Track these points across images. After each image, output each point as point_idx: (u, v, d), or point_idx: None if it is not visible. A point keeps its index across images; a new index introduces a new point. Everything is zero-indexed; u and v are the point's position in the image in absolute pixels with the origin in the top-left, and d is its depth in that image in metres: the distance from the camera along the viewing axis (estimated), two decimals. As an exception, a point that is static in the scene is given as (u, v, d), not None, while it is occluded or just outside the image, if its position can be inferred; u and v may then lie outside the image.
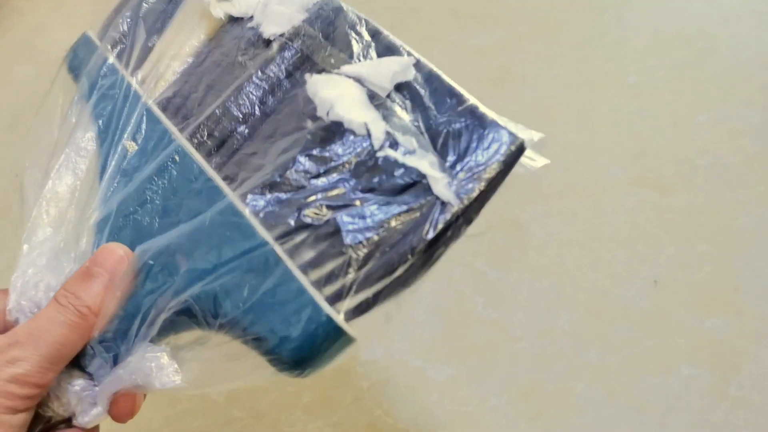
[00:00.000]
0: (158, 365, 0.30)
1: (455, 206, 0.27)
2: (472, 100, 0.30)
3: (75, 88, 0.41)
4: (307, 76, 0.32)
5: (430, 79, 0.31)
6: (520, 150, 0.28)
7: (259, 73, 0.34)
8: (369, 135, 0.29)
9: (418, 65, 0.32)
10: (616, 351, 0.61)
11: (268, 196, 0.30)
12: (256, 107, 0.33)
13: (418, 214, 0.27)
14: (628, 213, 0.69)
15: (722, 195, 0.69)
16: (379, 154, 0.28)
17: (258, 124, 0.33)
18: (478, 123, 0.29)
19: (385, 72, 0.30)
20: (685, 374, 0.58)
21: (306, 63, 0.34)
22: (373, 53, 0.32)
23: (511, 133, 0.28)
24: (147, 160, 0.34)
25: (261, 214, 0.29)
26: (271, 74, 0.34)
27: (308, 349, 0.27)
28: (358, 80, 0.31)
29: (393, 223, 0.27)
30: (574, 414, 0.58)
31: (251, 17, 0.37)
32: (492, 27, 0.90)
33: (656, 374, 0.59)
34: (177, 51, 0.38)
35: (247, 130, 0.33)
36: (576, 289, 0.65)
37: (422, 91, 0.30)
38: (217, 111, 0.34)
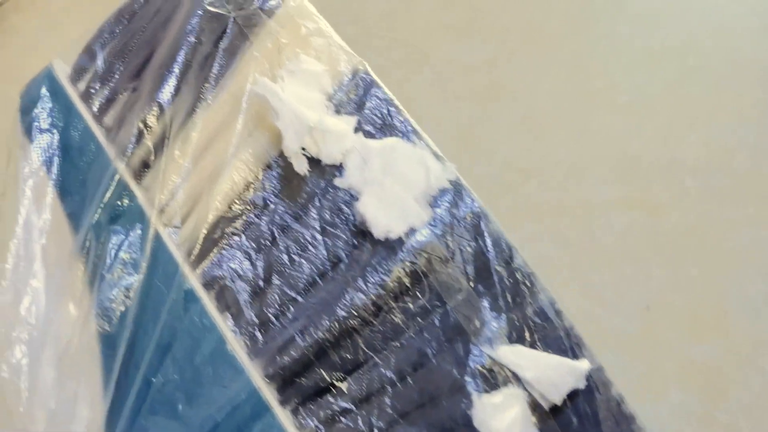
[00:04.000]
0: None
1: None
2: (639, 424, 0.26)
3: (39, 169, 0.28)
4: (474, 396, 0.26)
5: (597, 386, 0.26)
6: None
7: (378, 301, 0.26)
8: None
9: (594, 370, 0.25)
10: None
11: None
12: (372, 355, 0.26)
13: None
14: (618, 234, 0.69)
15: (712, 215, 0.68)
16: None
17: (363, 379, 0.25)
18: None
19: (558, 383, 0.25)
20: (674, 400, 0.58)
21: (442, 314, 0.26)
22: (526, 314, 0.27)
23: None
24: (204, 366, 0.27)
25: None
26: (392, 316, 0.26)
27: None
28: (518, 374, 0.25)
29: None
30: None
31: (339, 165, 0.29)
32: (484, 41, 0.90)
33: (645, 400, 0.59)
34: (224, 184, 0.27)
35: (345, 386, 0.25)
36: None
37: (588, 409, 0.26)
38: (303, 340, 0.25)
